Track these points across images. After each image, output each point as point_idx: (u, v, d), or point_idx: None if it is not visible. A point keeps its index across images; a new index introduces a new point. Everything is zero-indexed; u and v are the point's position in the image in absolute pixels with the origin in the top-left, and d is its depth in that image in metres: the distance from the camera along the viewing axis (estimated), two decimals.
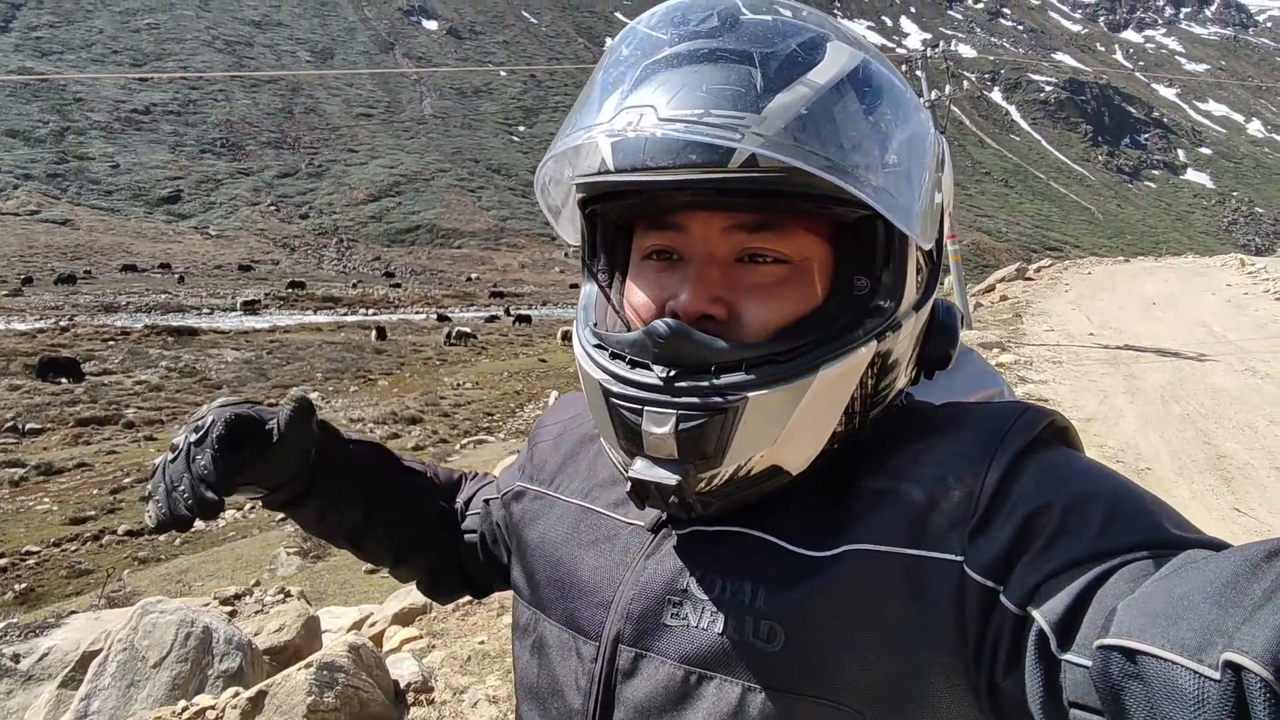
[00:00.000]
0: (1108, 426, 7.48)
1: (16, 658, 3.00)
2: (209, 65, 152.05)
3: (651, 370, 0.60)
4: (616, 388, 0.61)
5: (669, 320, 0.59)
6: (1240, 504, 5.46)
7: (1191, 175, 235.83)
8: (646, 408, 0.59)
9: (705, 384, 0.58)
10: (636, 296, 0.66)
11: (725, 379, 0.58)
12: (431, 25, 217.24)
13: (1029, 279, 23.45)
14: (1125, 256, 40.24)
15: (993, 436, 0.59)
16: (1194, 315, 13.94)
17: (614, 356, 0.63)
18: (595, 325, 0.69)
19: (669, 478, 0.58)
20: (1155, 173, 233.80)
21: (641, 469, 0.60)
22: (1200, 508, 5.38)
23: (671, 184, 0.57)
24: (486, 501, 0.92)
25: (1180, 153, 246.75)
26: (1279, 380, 8.80)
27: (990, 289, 22.26)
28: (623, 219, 0.70)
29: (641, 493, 0.62)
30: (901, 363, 0.65)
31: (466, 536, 0.94)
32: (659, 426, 0.58)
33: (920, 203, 0.61)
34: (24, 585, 10.51)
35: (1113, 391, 8.86)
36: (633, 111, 0.57)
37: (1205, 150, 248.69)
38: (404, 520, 0.94)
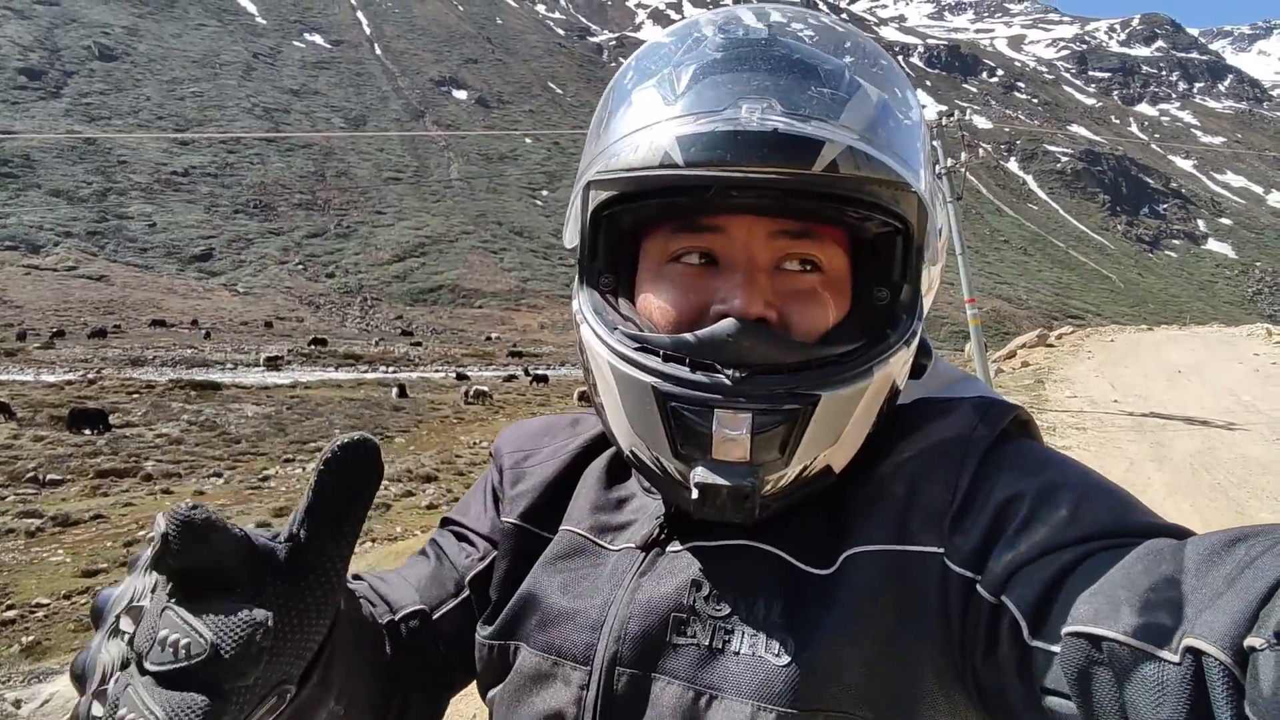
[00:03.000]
0: (1135, 494, 7.19)
1: (18, 703, 2.95)
2: (247, 130, 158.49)
3: (719, 372, 0.58)
4: (678, 390, 0.59)
5: (733, 320, 0.59)
6: None
7: (1213, 245, 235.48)
8: (717, 409, 0.57)
9: (779, 385, 0.58)
10: (667, 298, 0.64)
11: (798, 380, 0.58)
12: (461, 95, 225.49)
13: (1050, 345, 23.28)
14: (1148, 325, 39.91)
15: (964, 431, 0.62)
16: (1222, 384, 13.69)
17: (668, 358, 0.60)
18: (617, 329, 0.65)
19: (742, 483, 0.57)
20: (1176, 242, 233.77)
21: (705, 474, 0.58)
22: None
23: (750, 182, 0.56)
24: (469, 581, 0.77)
25: (1200, 223, 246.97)
26: None
27: (1012, 355, 22.10)
28: (636, 223, 0.67)
29: (704, 499, 0.59)
30: (908, 369, 0.67)
31: (460, 637, 0.75)
32: (734, 429, 0.57)
33: (932, 218, 0.64)
34: (30, 638, 10.41)
35: (1139, 459, 8.66)
36: (752, 102, 0.57)
37: (1226, 221, 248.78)
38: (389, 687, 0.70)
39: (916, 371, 0.70)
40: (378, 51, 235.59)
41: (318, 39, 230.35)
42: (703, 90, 0.58)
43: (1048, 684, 0.47)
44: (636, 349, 0.62)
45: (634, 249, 0.68)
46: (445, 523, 0.84)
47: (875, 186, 0.57)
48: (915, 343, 0.65)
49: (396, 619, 0.72)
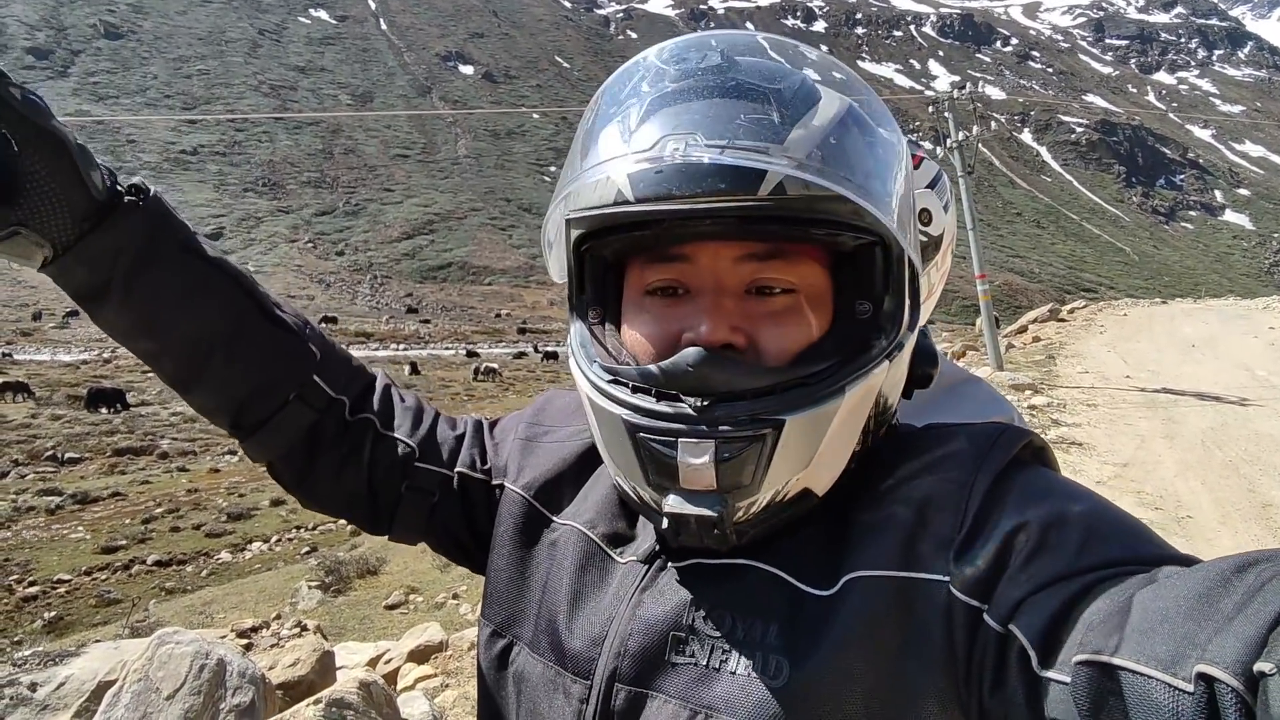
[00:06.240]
0: (1145, 472, 7.25)
1: (34, 686, 3.01)
2: (255, 108, 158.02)
3: (682, 401, 0.59)
4: (645, 421, 0.60)
5: (696, 349, 0.59)
6: None
7: (1230, 216, 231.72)
8: (681, 439, 0.58)
9: (742, 412, 0.58)
10: (643, 330, 0.65)
11: (761, 405, 0.58)
12: (468, 70, 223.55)
13: (1062, 320, 23.11)
14: (1162, 298, 39.51)
15: (974, 458, 0.60)
16: (1236, 358, 13.57)
17: (635, 390, 0.62)
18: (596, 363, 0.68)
19: (710, 511, 0.58)
20: (1192, 214, 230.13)
21: (676, 504, 0.59)
22: None
23: (699, 213, 0.57)
24: (488, 480, 0.84)
25: (1218, 194, 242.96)
26: None
27: (1023, 330, 21.94)
28: (618, 255, 0.69)
29: (678, 528, 0.61)
30: (901, 382, 0.68)
31: (418, 488, 0.83)
32: (697, 458, 0.57)
33: (911, 230, 0.65)
34: (53, 614, 10.64)
35: (1150, 436, 8.61)
36: (677, 139, 0.57)
37: (1244, 191, 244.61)
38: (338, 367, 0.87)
39: (923, 381, 0.72)
40: (383, 27, 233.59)
41: (323, 14, 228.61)
42: (648, 127, 0.59)
43: (1057, 715, 0.47)
44: (610, 381, 0.64)
45: (620, 280, 0.69)
46: (491, 425, 0.90)
47: (830, 205, 0.57)
48: (904, 354, 0.64)
49: (381, 427, 0.84)
